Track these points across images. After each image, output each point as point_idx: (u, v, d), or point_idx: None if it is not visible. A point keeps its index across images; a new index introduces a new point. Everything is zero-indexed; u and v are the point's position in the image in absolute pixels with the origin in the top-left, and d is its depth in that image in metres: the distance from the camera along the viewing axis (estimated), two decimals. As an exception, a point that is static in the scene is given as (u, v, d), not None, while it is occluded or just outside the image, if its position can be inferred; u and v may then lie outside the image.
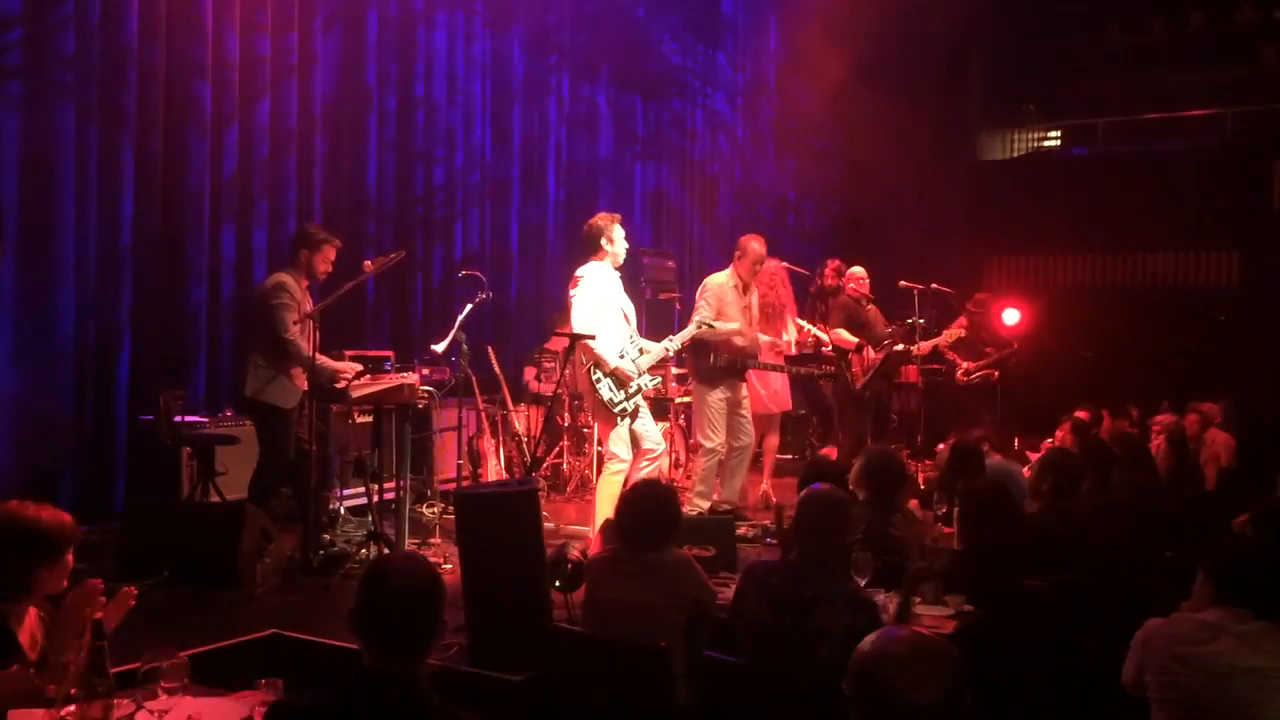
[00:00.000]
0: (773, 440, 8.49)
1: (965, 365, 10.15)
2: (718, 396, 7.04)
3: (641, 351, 6.56)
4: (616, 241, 6.55)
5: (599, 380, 6.38)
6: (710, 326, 6.87)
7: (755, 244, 7.28)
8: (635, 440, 6.48)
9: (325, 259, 6.37)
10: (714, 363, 6.95)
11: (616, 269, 6.60)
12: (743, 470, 7.42)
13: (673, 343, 6.75)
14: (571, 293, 6.50)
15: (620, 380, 6.39)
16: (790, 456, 10.35)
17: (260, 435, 6.42)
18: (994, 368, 10.16)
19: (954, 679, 2.04)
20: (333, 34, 8.65)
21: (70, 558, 3.01)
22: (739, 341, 7.11)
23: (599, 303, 6.41)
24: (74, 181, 6.80)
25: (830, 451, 9.41)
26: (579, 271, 6.54)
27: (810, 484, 4.20)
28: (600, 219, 6.58)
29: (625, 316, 6.58)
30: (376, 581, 2.41)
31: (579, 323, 6.38)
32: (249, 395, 6.21)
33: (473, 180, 10.04)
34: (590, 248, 6.55)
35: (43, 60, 6.67)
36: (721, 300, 7.08)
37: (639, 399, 6.48)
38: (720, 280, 7.18)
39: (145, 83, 7.23)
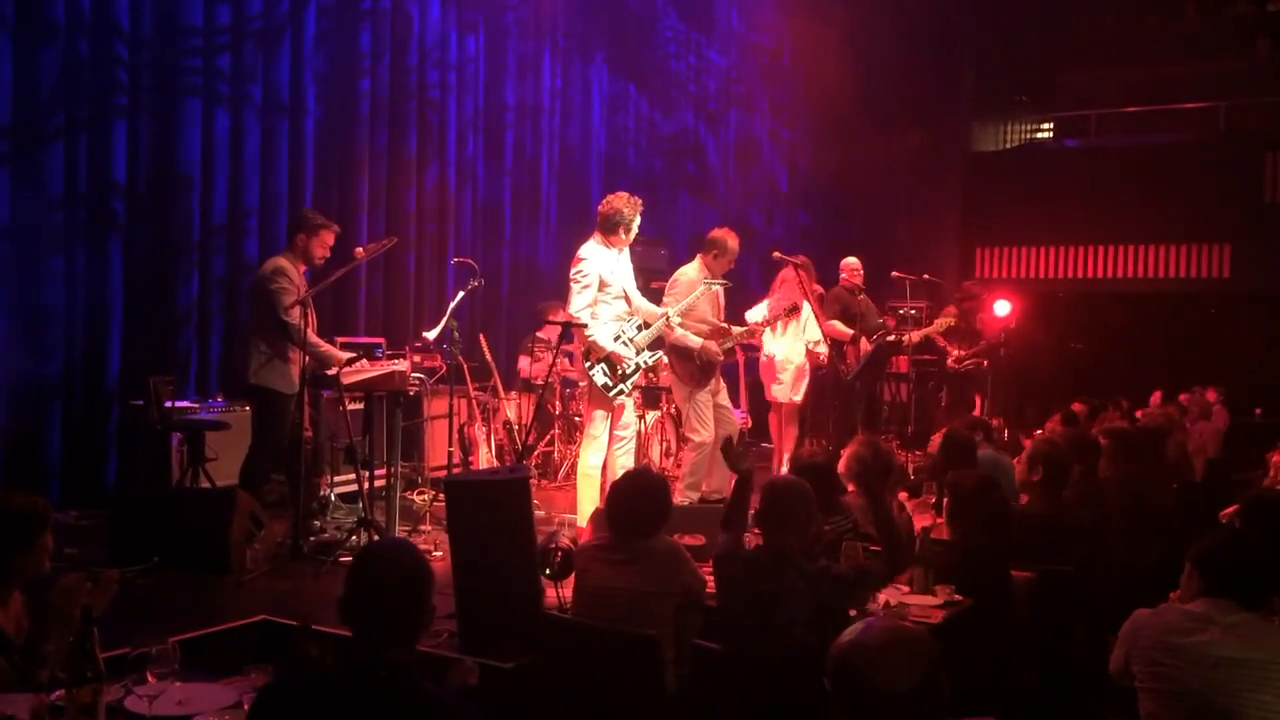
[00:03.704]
0: (791, 431, 8.54)
1: (956, 352, 10.20)
2: (704, 393, 7.11)
3: (639, 329, 6.58)
4: (632, 230, 6.54)
5: (591, 367, 6.41)
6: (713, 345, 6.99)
7: (731, 241, 7.16)
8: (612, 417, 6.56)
9: (323, 244, 6.38)
10: (698, 363, 7.01)
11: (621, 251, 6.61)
12: None
13: (675, 315, 6.74)
14: (572, 272, 6.50)
15: (613, 364, 6.41)
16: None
17: (257, 420, 6.42)
18: (984, 356, 10.24)
19: (929, 666, 2.05)
20: (326, 16, 8.60)
21: (49, 539, 2.99)
22: (710, 342, 7.14)
23: (597, 284, 6.41)
24: (63, 162, 6.78)
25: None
26: (581, 252, 6.52)
27: (799, 475, 4.21)
28: (625, 205, 6.48)
29: (626, 296, 6.59)
30: (364, 569, 2.42)
31: (575, 308, 6.39)
32: (250, 380, 6.21)
33: (465, 165, 10.00)
34: (607, 228, 6.52)
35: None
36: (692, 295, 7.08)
37: (637, 378, 6.51)
38: (691, 276, 7.16)
39: (134, 56, 7.19)
